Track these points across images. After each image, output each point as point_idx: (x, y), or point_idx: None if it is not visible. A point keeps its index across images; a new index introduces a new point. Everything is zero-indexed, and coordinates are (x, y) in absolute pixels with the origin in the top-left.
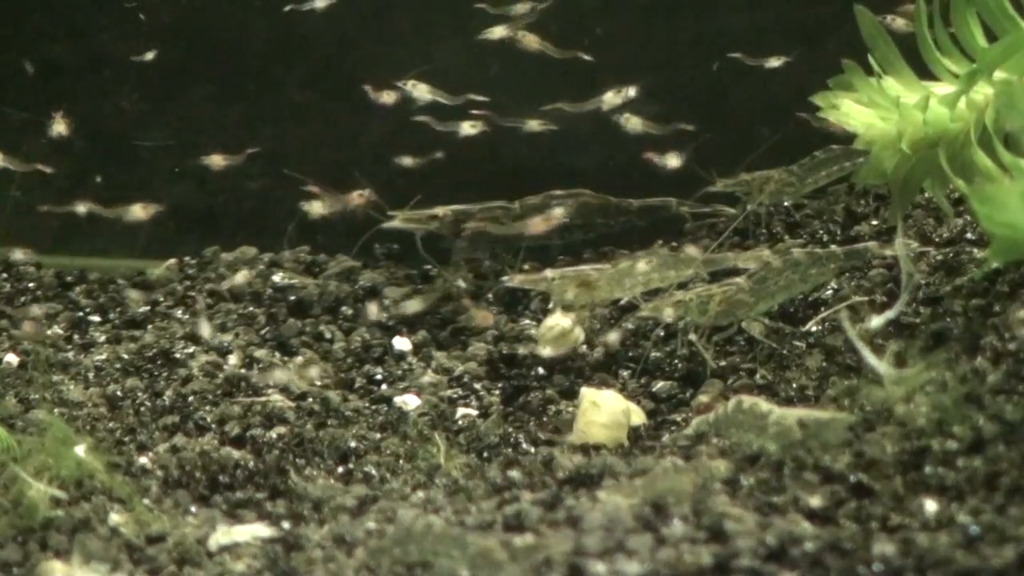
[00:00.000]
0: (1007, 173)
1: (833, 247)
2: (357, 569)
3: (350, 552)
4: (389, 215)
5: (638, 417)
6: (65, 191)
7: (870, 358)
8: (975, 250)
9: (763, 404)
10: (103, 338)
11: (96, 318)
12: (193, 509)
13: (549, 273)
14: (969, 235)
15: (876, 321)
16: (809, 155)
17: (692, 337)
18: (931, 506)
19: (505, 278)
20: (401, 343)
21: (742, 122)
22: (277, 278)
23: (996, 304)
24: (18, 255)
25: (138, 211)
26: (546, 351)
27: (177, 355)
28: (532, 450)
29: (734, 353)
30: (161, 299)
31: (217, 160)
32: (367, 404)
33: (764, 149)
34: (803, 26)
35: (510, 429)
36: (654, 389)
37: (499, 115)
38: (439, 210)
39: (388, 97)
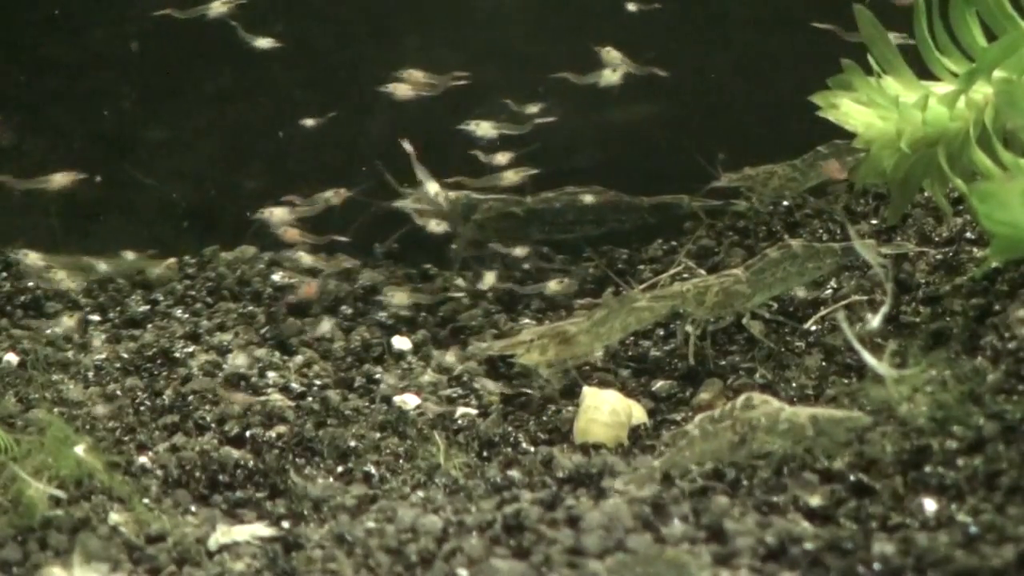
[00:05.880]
0: (1007, 172)
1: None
2: (357, 569)
3: (350, 551)
4: (401, 191)
5: (639, 416)
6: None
7: (869, 359)
8: (975, 249)
9: (774, 402)
10: (103, 337)
11: (96, 317)
12: (193, 509)
13: (526, 334)
14: (969, 234)
15: (875, 320)
16: (812, 150)
17: (688, 329)
18: (931, 506)
19: (483, 344)
20: (401, 342)
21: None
22: (276, 277)
23: (996, 304)
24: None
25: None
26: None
27: (177, 354)
28: (532, 450)
29: (734, 352)
30: (161, 298)
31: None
32: (367, 403)
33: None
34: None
35: (510, 428)
36: (654, 388)
37: None
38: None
39: None
